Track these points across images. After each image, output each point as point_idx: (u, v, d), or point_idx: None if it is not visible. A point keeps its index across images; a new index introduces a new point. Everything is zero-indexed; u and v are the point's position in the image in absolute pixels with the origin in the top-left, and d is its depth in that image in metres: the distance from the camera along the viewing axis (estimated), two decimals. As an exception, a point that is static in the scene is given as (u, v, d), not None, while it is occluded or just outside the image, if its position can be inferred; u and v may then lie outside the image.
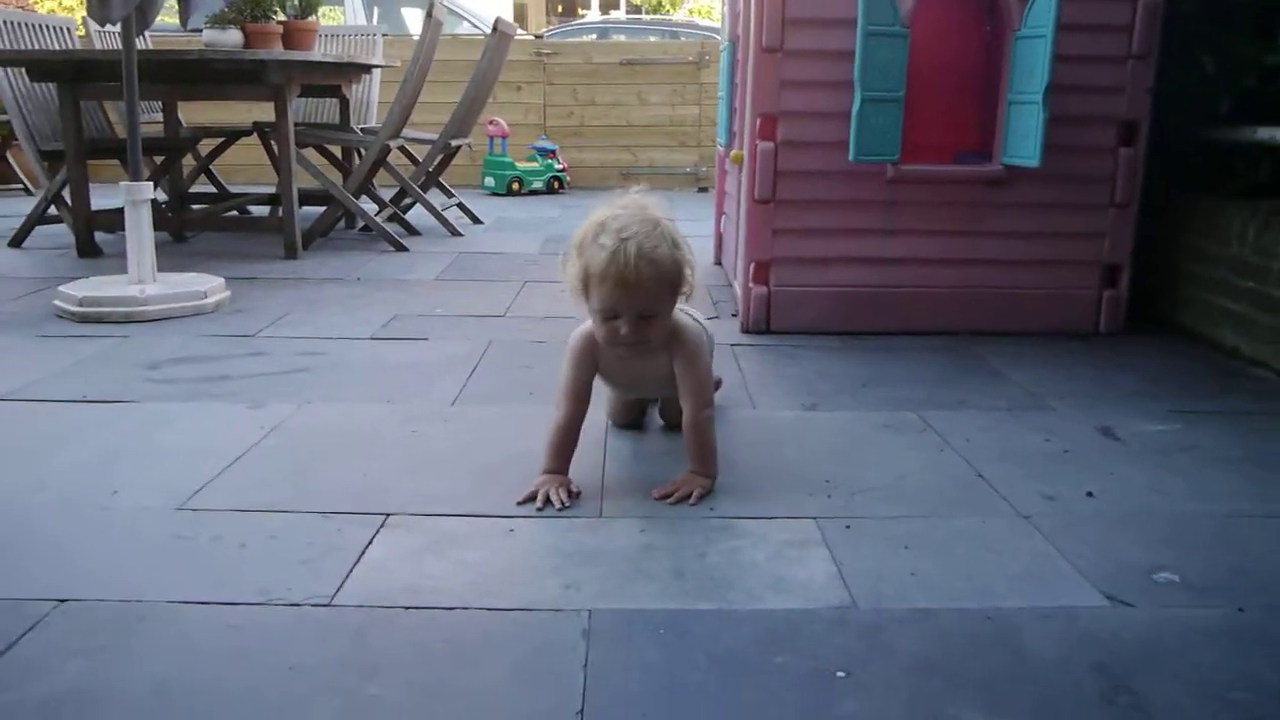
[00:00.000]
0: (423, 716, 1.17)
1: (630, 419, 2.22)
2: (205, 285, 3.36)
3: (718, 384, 2.30)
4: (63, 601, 1.40)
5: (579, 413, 1.88)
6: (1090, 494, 1.87)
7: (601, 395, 2.08)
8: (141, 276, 3.30)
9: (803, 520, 1.72)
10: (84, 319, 3.12)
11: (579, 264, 1.77)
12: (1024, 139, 2.82)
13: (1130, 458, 2.06)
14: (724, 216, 4.09)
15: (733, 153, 3.46)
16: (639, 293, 1.72)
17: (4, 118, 5.80)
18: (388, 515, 1.70)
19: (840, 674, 1.26)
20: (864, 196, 2.97)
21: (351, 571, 1.51)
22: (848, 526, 1.70)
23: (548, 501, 1.76)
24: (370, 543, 1.60)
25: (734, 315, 3.26)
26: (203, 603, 1.41)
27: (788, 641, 1.34)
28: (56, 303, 3.23)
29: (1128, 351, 2.91)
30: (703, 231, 4.73)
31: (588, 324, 1.87)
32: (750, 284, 3.05)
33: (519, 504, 1.75)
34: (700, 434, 1.86)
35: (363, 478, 1.86)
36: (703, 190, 7.30)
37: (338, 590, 1.45)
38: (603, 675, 1.25)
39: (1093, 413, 2.34)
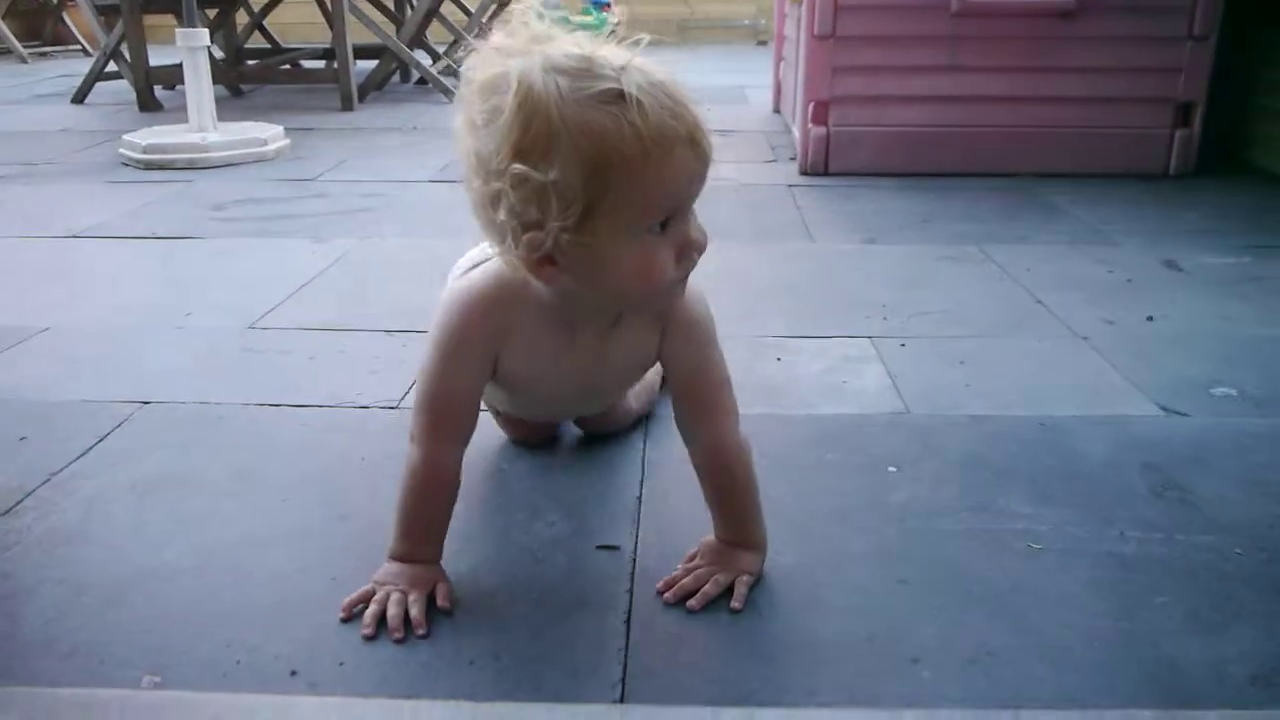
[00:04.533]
0: (496, 496, 1.23)
1: (540, 433, 1.37)
2: (265, 133, 3.38)
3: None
4: (145, 403, 1.48)
5: (456, 455, 1.06)
6: (1150, 318, 1.85)
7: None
8: (202, 124, 3.34)
9: (858, 339, 1.74)
10: (148, 165, 3.17)
11: (565, 169, 0.84)
12: (1098, -35, 2.71)
13: (1194, 287, 2.03)
14: (783, 62, 4.00)
15: (792, -9, 3.36)
16: (709, 159, 0.91)
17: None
18: (450, 333, 1.74)
19: (892, 469, 1.29)
20: (927, 31, 2.88)
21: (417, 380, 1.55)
22: (903, 345, 1.71)
23: (378, 620, 0.98)
24: (434, 356, 1.65)
25: (791, 159, 3.23)
26: (276, 405, 1.48)
27: (841, 441, 1.37)
28: (122, 151, 3.29)
29: (1198, 190, 2.83)
30: (762, 82, 4.66)
31: (477, 278, 1.03)
32: (809, 124, 3.00)
33: (344, 619, 0.99)
34: (736, 472, 1.08)
35: (426, 301, 1.89)
36: (761, 44, 7.12)
37: (404, 395, 1.50)
38: (658, 466, 1.30)
39: (1158, 247, 2.30)
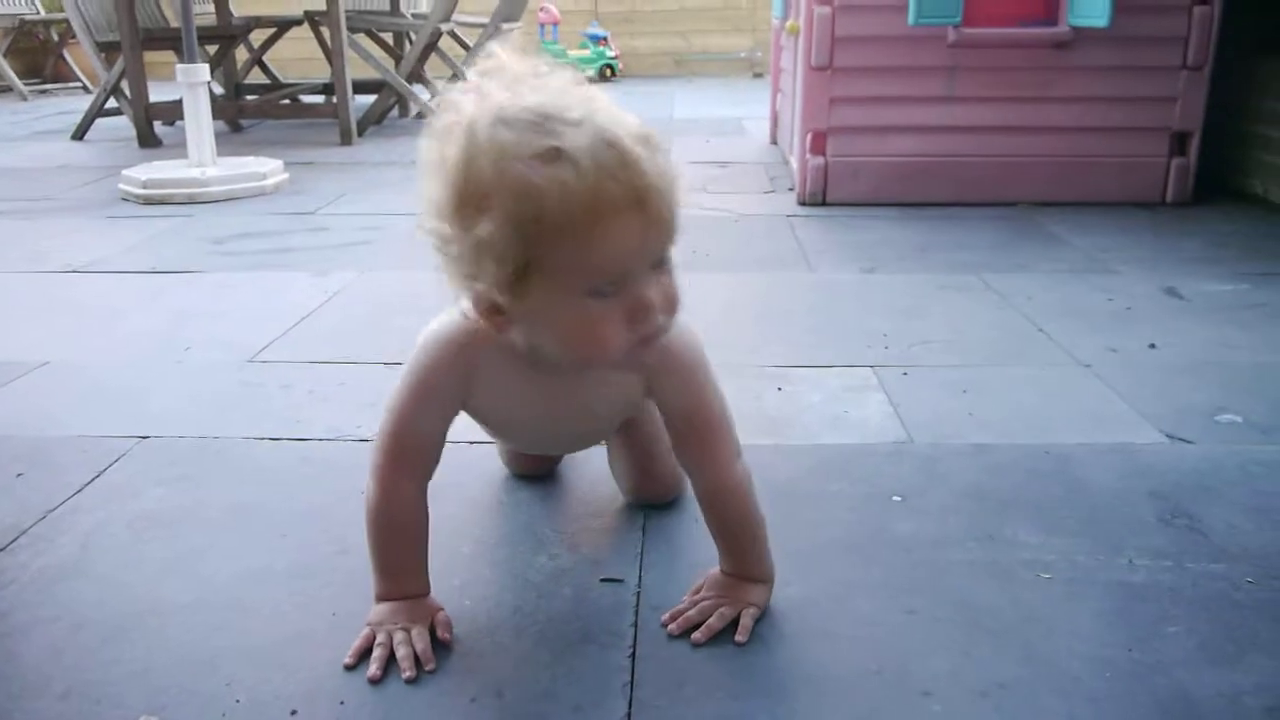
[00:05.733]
0: (498, 529, 1.22)
1: (543, 466, 1.35)
2: (264, 168, 3.40)
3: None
4: (144, 438, 1.46)
5: (415, 490, 1.04)
6: (1153, 346, 1.85)
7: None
8: (202, 160, 3.35)
9: (860, 369, 1.73)
10: (148, 200, 3.18)
11: (496, 225, 0.81)
12: (1092, -3, 2.73)
13: (1195, 314, 2.03)
14: (780, 94, 4.02)
15: (789, 23, 3.39)
16: (668, 229, 0.86)
17: (62, 16, 5.86)
18: (450, 366, 1.74)
19: (896, 498, 1.28)
20: (924, 62, 2.90)
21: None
22: (905, 373, 1.71)
23: (386, 662, 0.97)
24: (434, 388, 1.64)
25: (790, 190, 3.23)
26: (275, 438, 1.47)
27: (844, 471, 1.36)
28: (121, 186, 3.30)
29: (1195, 219, 2.84)
30: (759, 114, 4.68)
31: (449, 320, 1.00)
32: (807, 155, 3.01)
33: (348, 667, 0.97)
34: (738, 506, 1.05)
35: (425, 334, 1.89)
36: (758, 76, 7.17)
37: (404, 428, 1.49)
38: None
39: (1157, 275, 2.30)
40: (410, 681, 0.95)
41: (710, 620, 1.01)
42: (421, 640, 0.98)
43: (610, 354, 0.88)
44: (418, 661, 0.97)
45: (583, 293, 0.84)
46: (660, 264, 0.87)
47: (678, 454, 1.07)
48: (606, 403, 1.06)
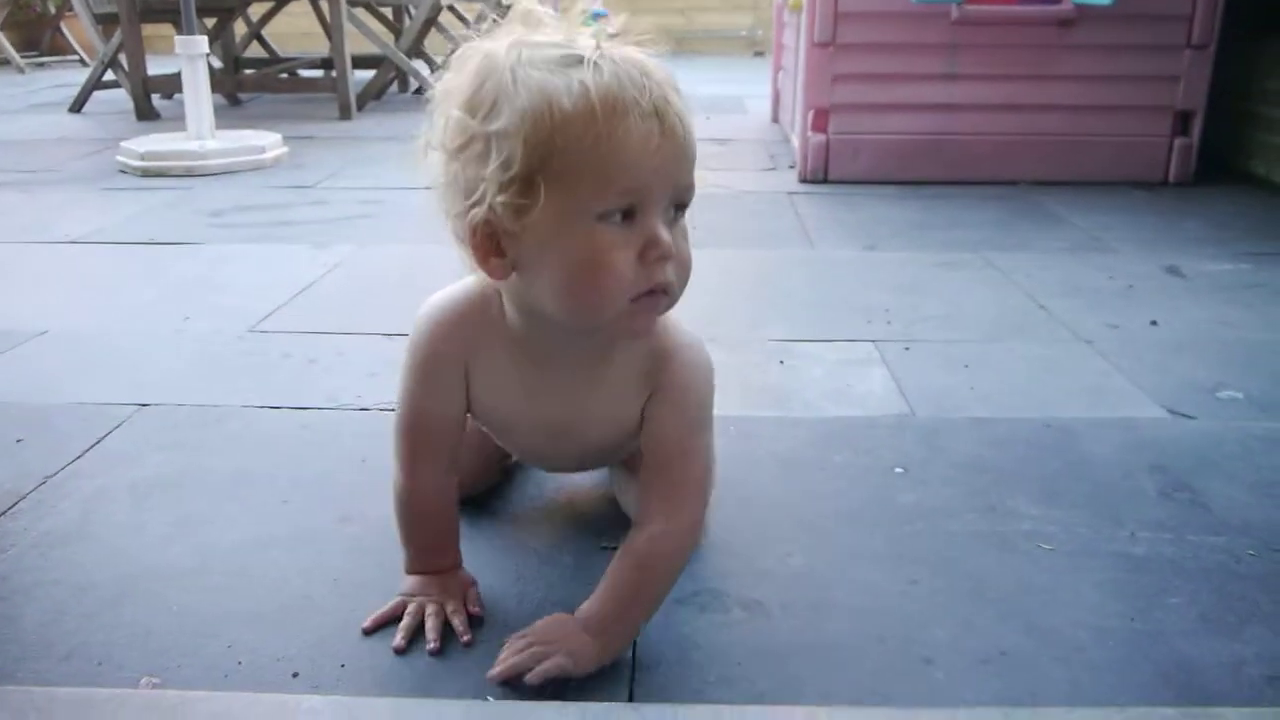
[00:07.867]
0: (500, 498, 1.22)
1: (487, 476, 1.22)
2: (263, 141, 3.38)
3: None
4: (144, 405, 1.46)
5: (440, 479, 1.00)
6: (1154, 323, 1.84)
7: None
8: (200, 132, 3.33)
9: (862, 343, 1.73)
10: (146, 173, 3.16)
11: (508, 121, 0.78)
12: (1097, -27, 2.71)
13: (1196, 293, 2.03)
14: (781, 72, 4.00)
15: (791, 0, 3.37)
16: (686, 154, 0.82)
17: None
18: (451, 337, 1.73)
19: (899, 470, 1.28)
20: (927, 39, 2.88)
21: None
22: (907, 348, 1.70)
23: (414, 633, 0.95)
24: (435, 359, 1.64)
25: (791, 167, 3.22)
26: (275, 407, 1.46)
27: (847, 443, 1.36)
28: (119, 158, 3.28)
29: (1196, 199, 2.83)
30: (759, 92, 4.66)
31: (447, 293, 0.97)
32: (809, 132, 2.99)
33: (366, 631, 0.96)
34: (663, 574, 0.94)
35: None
36: (758, 54, 7.13)
37: (405, 398, 1.49)
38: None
39: (1158, 254, 2.30)
40: (435, 654, 0.93)
41: (518, 659, 0.89)
42: (459, 616, 0.96)
43: (617, 291, 0.81)
44: (447, 634, 0.95)
45: (593, 215, 0.79)
46: (677, 213, 0.83)
47: (641, 489, 0.97)
48: (610, 409, 0.95)
